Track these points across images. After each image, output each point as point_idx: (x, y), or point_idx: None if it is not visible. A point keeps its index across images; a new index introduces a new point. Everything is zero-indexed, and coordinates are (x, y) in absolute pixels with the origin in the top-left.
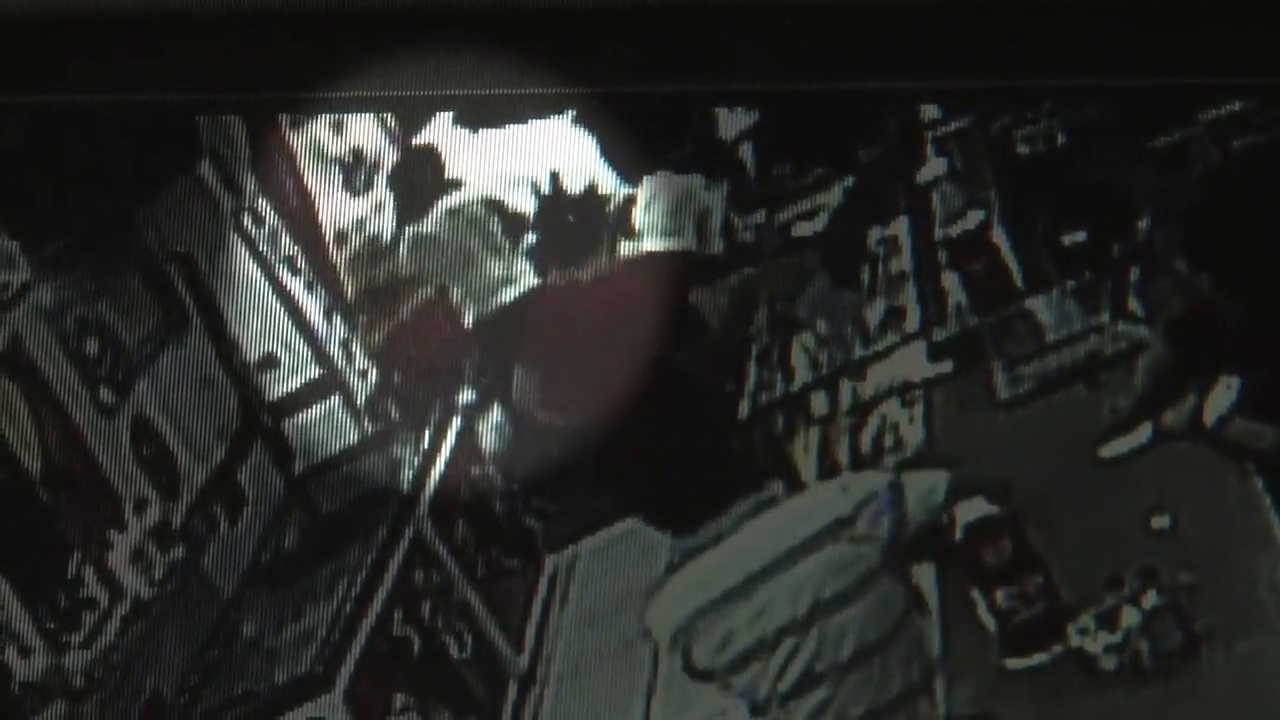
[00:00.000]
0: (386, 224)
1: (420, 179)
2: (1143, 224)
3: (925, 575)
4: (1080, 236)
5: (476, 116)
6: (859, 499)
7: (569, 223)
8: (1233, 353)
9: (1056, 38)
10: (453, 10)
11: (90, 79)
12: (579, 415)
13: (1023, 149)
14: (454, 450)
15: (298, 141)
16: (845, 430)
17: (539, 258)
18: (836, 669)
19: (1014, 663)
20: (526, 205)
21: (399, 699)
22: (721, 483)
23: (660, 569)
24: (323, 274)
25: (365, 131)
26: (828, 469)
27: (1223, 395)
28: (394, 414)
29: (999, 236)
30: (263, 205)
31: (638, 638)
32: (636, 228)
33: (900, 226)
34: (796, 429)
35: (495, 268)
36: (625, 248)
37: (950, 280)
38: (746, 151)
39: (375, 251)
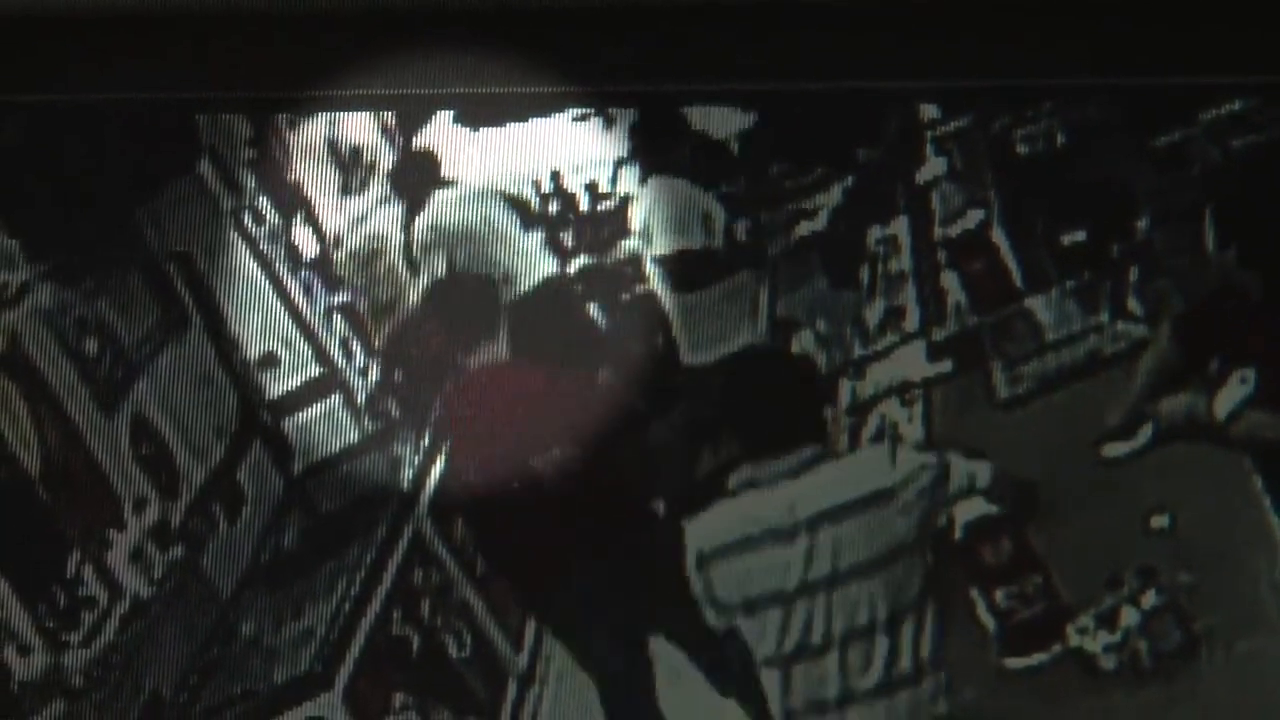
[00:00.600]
0: (386, 222)
1: (419, 177)
2: (1142, 224)
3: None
4: (1080, 236)
5: (476, 115)
6: (906, 473)
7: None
8: (1246, 347)
9: (1056, 38)
10: (451, 11)
11: (90, 78)
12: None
13: (1022, 149)
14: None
15: (297, 140)
16: (845, 429)
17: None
18: (842, 639)
19: (1013, 662)
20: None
21: (398, 698)
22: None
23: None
24: (323, 272)
25: (364, 130)
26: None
27: (1236, 389)
28: (394, 413)
29: (998, 236)
30: (262, 204)
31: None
32: (637, 228)
33: (900, 226)
34: (821, 415)
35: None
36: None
37: (950, 280)
38: (746, 152)
39: (375, 249)
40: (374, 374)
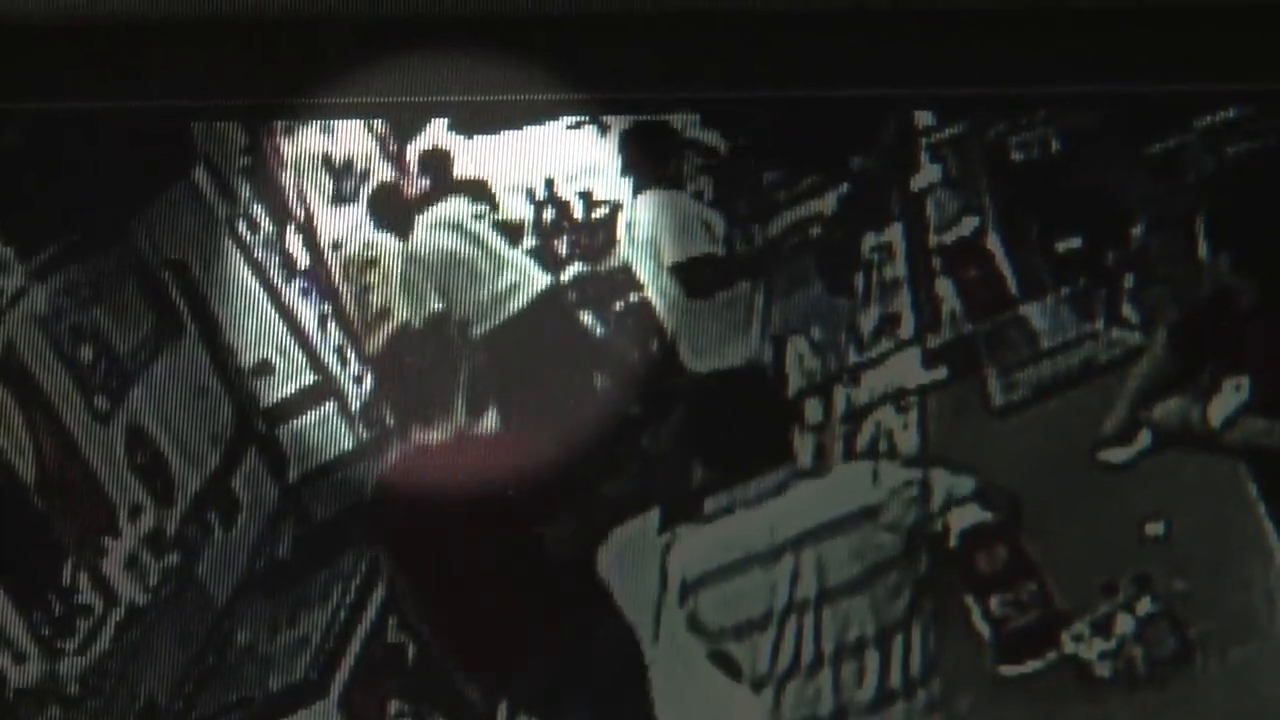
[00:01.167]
0: (380, 230)
1: (414, 185)
2: (1137, 231)
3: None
4: (1075, 243)
5: (471, 123)
6: (889, 490)
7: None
8: (1240, 354)
9: (1051, 45)
10: (446, 18)
11: (85, 86)
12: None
13: (1017, 156)
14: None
15: (292, 148)
16: (840, 436)
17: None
18: (833, 656)
19: (1008, 670)
20: (522, 213)
21: (394, 705)
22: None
23: (656, 573)
24: (317, 280)
25: (359, 138)
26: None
27: (1230, 397)
28: (389, 420)
29: (993, 243)
30: (257, 212)
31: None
32: (631, 236)
33: (895, 233)
34: (791, 432)
35: (490, 274)
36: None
37: (945, 287)
38: (740, 159)
39: (370, 258)
40: (368, 382)
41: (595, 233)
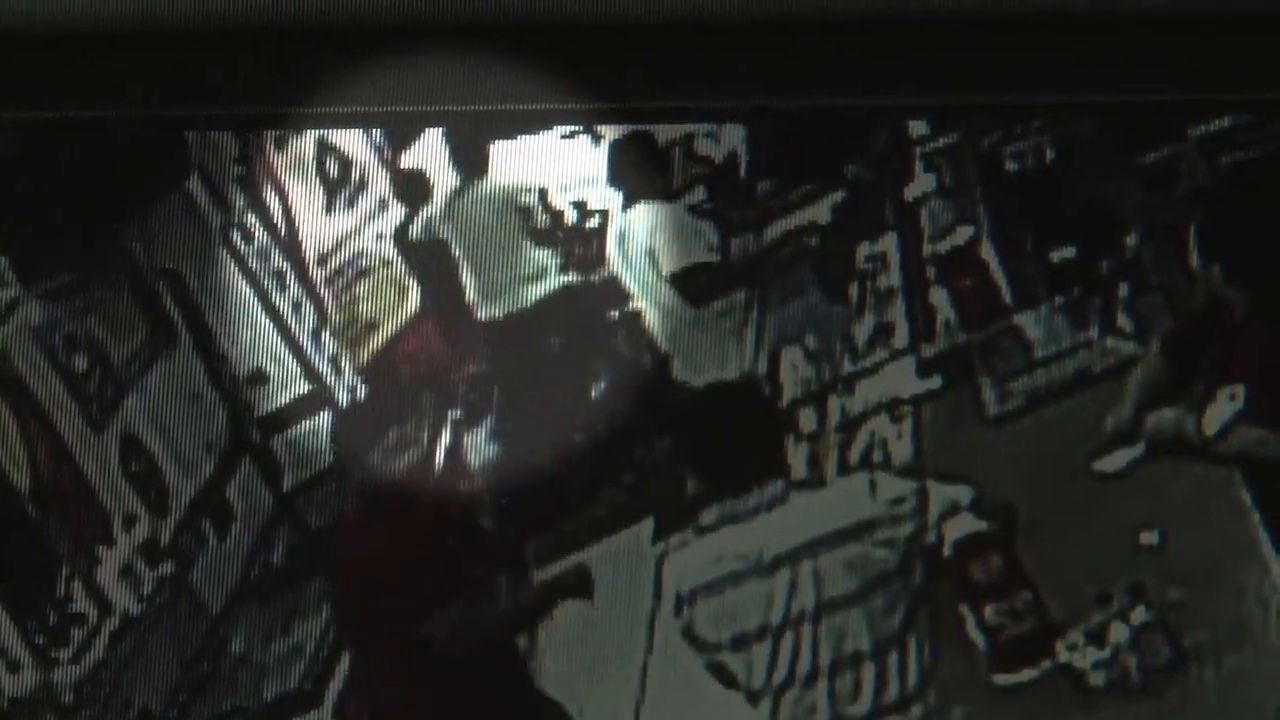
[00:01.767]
0: (375, 239)
1: (408, 195)
2: (1132, 240)
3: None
4: (1069, 253)
5: (465, 132)
6: (886, 502)
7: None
8: (1234, 363)
9: (1045, 54)
10: (442, 27)
11: (78, 94)
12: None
13: (1012, 165)
14: (442, 466)
15: (286, 158)
16: (834, 446)
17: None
18: (829, 668)
19: (1003, 679)
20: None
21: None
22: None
23: (649, 582)
24: (311, 290)
25: (354, 147)
26: (816, 484)
27: (1225, 406)
28: (383, 429)
29: (988, 252)
30: (251, 221)
31: (627, 652)
32: (624, 248)
33: (889, 243)
34: (785, 444)
35: (481, 281)
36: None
37: (939, 296)
38: (734, 169)
39: (364, 268)
40: (362, 391)
41: (588, 242)
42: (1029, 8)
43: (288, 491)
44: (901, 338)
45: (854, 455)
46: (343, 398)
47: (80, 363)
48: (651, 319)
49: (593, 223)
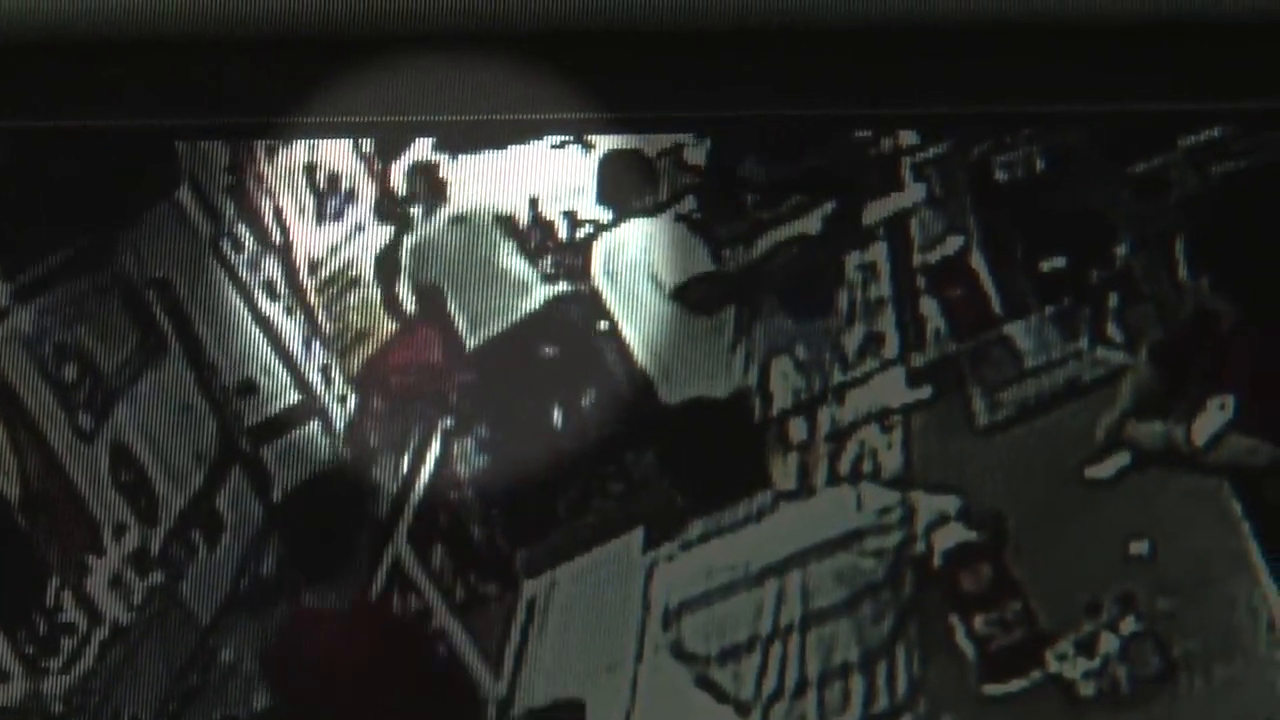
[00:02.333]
0: (365, 249)
1: (398, 204)
2: (1121, 250)
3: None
4: (1059, 262)
5: (455, 142)
6: (873, 513)
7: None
8: (1224, 373)
9: (1035, 63)
10: (434, 37)
11: (68, 104)
12: None
13: (1001, 175)
14: (432, 475)
15: (277, 167)
16: (824, 456)
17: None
18: (819, 679)
19: (992, 689)
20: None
21: None
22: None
23: (638, 593)
24: (302, 299)
25: (344, 157)
26: (804, 494)
27: (1214, 416)
28: (373, 439)
29: (978, 262)
30: (241, 231)
31: (618, 662)
32: (612, 259)
33: (879, 252)
34: (775, 454)
35: (475, 292)
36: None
37: (929, 306)
38: (722, 179)
39: (354, 277)
40: (352, 401)
41: (577, 253)
42: (1020, 17)
43: (277, 501)
44: (891, 347)
45: (844, 465)
46: (333, 408)
47: (70, 372)
48: (640, 330)
49: (582, 233)
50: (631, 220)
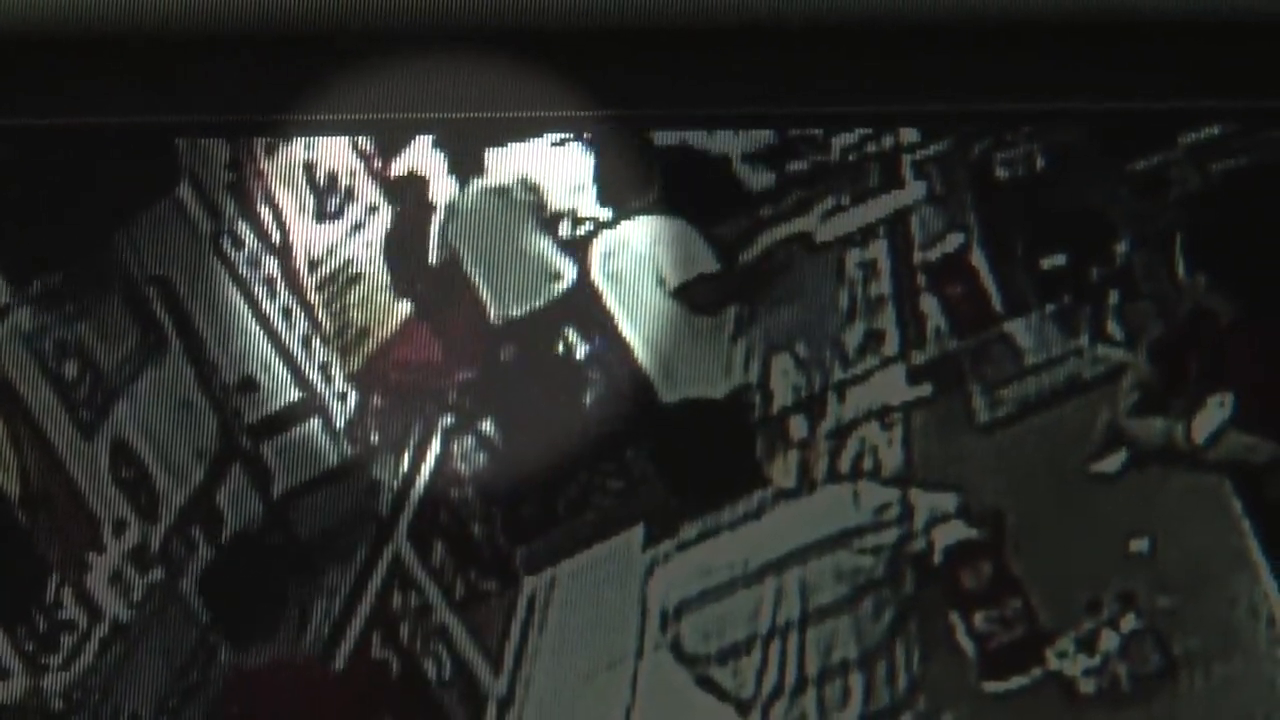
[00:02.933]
0: (365, 247)
1: (398, 202)
2: (1122, 248)
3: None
4: (1060, 260)
5: (456, 140)
6: (870, 510)
7: None
8: (1224, 369)
9: (1035, 61)
10: (434, 33)
11: (67, 101)
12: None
13: (1002, 173)
14: (433, 473)
15: (277, 164)
16: (824, 453)
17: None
18: (819, 677)
19: (992, 686)
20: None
21: None
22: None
23: (637, 590)
24: (302, 297)
25: (344, 155)
26: (801, 492)
27: (1214, 413)
28: (373, 437)
29: (978, 260)
30: (241, 228)
31: (618, 659)
32: (613, 257)
33: (879, 250)
34: (775, 451)
35: (476, 291)
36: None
37: (929, 304)
38: (724, 176)
39: (354, 275)
40: (352, 399)
41: (579, 251)
42: (1020, 14)
43: (278, 498)
44: (892, 345)
45: (844, 462)
46: (333, 405)
47: (70, 369)
48: (640, 328)
49: (584, 231)
50: (631, 218)
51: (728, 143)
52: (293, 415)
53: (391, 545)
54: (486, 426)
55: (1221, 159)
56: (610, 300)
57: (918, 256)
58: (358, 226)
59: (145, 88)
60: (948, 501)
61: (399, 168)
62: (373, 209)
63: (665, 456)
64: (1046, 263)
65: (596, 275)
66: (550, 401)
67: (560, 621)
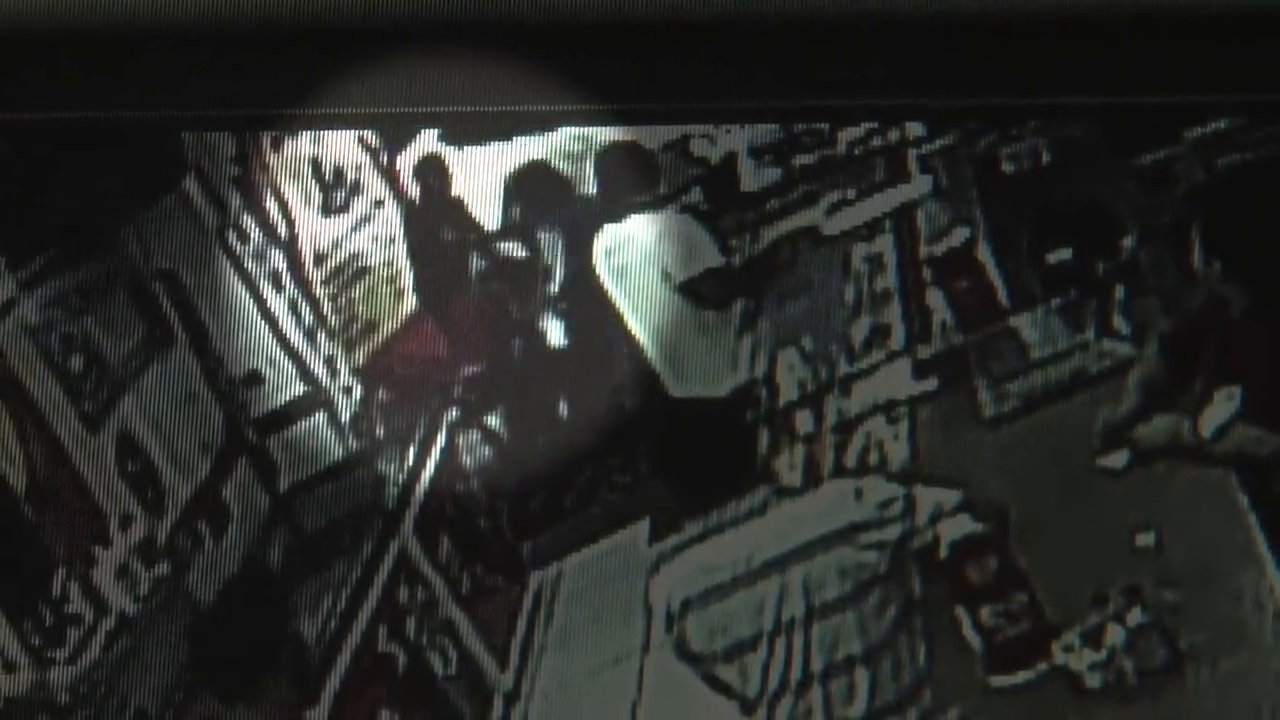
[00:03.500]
0: (371, 240)
1: (403, 196)
2: (1128, 242)
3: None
4: (1065, 254)
5: (463, 134)
6: (872, 507)
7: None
8: (1231, 363)
9: (1041, 55)
10: (439, 28)
11: (75, 95)
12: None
13: (1008, 167)
14: (438, 467)
15: (283, 158)
16: (830, 447)
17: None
18: (824, 673)
19: (999, 680)
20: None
21: (383, 715)
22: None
23: (643, 585)
24: (308, 291)
25: (350, 149)
26: (805, 488)
27: (1222, 406)
28: (379, 431)
29: (984, 254)
30: (247, 222)
31: (624, 654)
32: (620, 255)
33: (885, 244)
34: (781, 446)
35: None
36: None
37: (935, 298)
38: (728, 171)
39: (360, 269)
40: (358, 393)
41: (583, 246)
42: (1026, 9)
43: (284, 492)
44: (898, 339)
45: (850, 457)
46: (339, 399)
47: (76, 363)
48: (647, 322)
49: (588, 226)
50: (638, 214)
51: (734, 137)
52: (299, 409)
53: (397, 540)
54: (492, 421)
55: (1227, 153)
56: (616, 295)
57: (924, 251)
58: (364, 220)
59: (151, 82)
60: (951, 496)
61: (404, 163)
62: (378, 203)
63: (671, 452)
64: (1052, 257)
65: (601, 270)
66: (555, 397)
67: (566, 616)
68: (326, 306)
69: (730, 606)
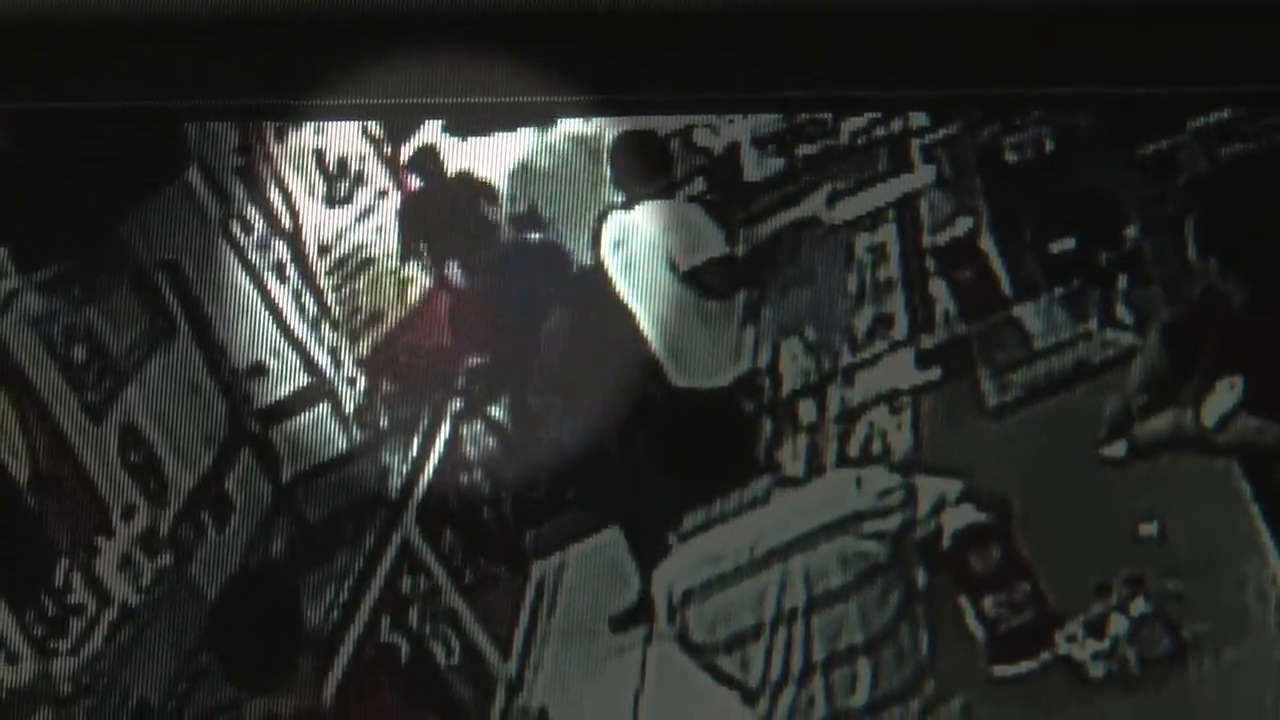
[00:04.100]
0: (374, 231)
1: (405, 186)
2: (1131, 232)
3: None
4: (1069, 244)
5: (466, 125)
6: (873, 496)
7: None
8: (1233, 353)
9: (1045, 46)
10: (444, 19)
11: (78, 85)
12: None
13: (1011, 157)
14: (442, 457)
15: (287, 149)
16: (833, 436)
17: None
18: (825, 663)
19: (1002, 670)
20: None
21: (387, 705)
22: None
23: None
24: (311, 282)
25: (354, 139)
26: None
27: (1225, 396)
28: (382, 421)
29: (987, 244)
30: (251, 213)
31: (625, 643)
32: (624, 245)
33: (889, 234)
34: (784, 435)
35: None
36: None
37: (938, 288)
38: (732, 161)
39: (364, 259)
40: (361, 383)
41: (587, 236)
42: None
43: (287, 483)
44: (901, 329)
45: (853, 446)
46: (342, 390)
47: (79, 353)
48: (650, 312)
49: (593, 215)
50: (643, 203)
51: (737, 127)
52: (302, 400)
53: (400, 530)
54: (495, 411)
55: (1230, 143)
56: (621, 285)
57: (927, 240)
58: (368, 211)
59: (153, 72)
60: (954, 486)
61: (406, 153)
62: (382, 194)
63: (674, 442)
64: (1055, 247)
65: (608, 260)
66: (558, 388)
67: (569, 606)
68: (330, 297)
69: (732, 596)
